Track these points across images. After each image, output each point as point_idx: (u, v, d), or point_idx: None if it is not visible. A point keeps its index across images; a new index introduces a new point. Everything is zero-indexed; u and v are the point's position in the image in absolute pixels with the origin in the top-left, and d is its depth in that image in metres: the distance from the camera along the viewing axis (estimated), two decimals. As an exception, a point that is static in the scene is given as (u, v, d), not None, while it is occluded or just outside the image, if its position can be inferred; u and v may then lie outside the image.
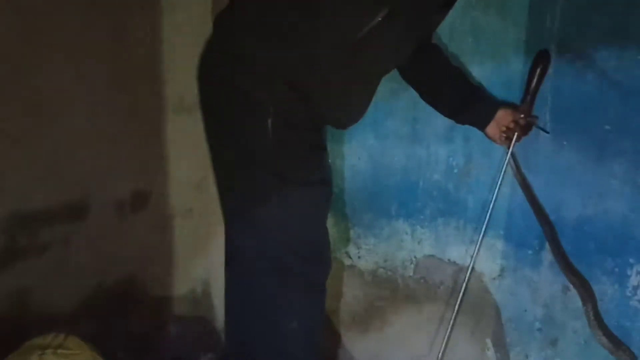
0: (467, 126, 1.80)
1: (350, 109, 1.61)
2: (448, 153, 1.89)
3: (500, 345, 1.87)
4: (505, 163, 1.71)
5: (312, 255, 1.57)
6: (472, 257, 1.80)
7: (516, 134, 1.68)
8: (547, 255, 1.77)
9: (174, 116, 1.90)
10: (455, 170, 1.89)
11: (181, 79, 1.87)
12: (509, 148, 1.70)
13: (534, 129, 1.70)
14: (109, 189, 1.77)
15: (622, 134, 1.61)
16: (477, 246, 1.79)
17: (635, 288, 1.65)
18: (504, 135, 1.71)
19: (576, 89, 1.65)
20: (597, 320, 1.67)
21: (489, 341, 1.89)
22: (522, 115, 1.66)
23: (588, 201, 1.68)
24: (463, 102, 1.71)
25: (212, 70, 1.51)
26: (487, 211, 1.77)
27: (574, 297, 1.73)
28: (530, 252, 1.79)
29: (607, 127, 1.62)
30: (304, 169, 1.52)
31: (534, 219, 1.76)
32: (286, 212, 1.50)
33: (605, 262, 1.68)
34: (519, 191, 1.77)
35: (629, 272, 1.65)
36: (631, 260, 1.64)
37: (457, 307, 1.81)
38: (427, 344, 2.00)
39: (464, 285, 1.80)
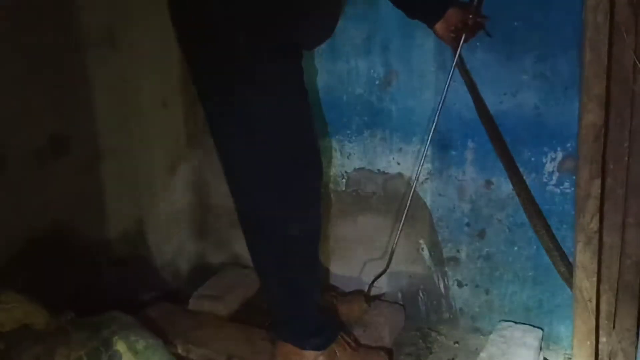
0: (383, 35, 1.82)
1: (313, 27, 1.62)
2: (368, 65, 1.91)
3: (434, 244, 1.98)
4: (454, 64, 1.71)
5: (300, 160, 1.60)
6: (419, 165, 1.84)
7: (464, 34, 1.66)
8: (470, 154, 1.86)
9: (82, 53, 1.80)
10: (377, 82, 1.92)
11: (87, 10, 1.78)
12: (456, 49, 1.68)
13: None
14: (25, 137, 1.69)
15: (529, 29, 1.68)
16: (424, 152, 1.83)
17: (550, 174, 1.77)
18: (452, 35, 1.69)
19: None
20: (535, 212, 1.77)
21: (422, 242, 1.99)
22: (470, 16, 1.65)
23: (503, 97, 1.76)
24: None
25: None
26: (435, 116, 1.77)
27: (497, 190, 1.84)
28: (454, 152, 1.88)
29: (516, 23, 1.69)
30: (283, 80, 1.53)
31: (455, 121, 1.83)
32: (271, 120, 1.53)
33: (522, 154, 1.78)
34: (438, 96, 1.82)
35: (544, 160, 1.77)
36: (545, 149, 1.76)
37: (404, 215, 1.87)
38: (365, 255, 2.08)
39: (411, 193, 1.86)
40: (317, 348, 1.70)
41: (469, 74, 1.77)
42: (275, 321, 1.78)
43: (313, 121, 1.64)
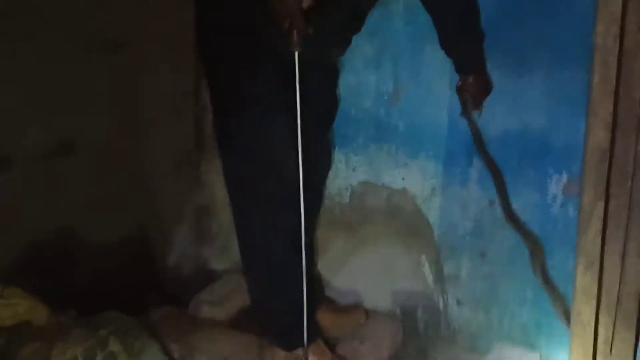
0: (393, 51, 1.85)
1: None
2: (377, 79, 1.93)
3: (435, 261, 1.97)
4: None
5: (280, 177, 1.63)
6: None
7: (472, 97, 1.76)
8: (474, 172, 1.86)
9: (93, 56, 1.81)
10: (385, 96, 1.93)
11: (98, 14, 1.80)
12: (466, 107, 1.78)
13: None
14: (31, 139, 1.70)
15: (539, 46, 1.69)
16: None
17: (554, 196, 1.77)
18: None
19: (492, 5, 1.70)
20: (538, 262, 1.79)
21: (424, 257, 1.99)
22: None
23: (509, 116, 1.77)
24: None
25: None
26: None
27: (500, 209, 1.84)
28: (458, 169, 1.88)
29: (524, 42, 1.70)
30: (269, 91, 1.60)
31: (460, 138, 1.84)
32: (252, 134, 1.62)
33: (527, 174, 1.78)
34: (445, 113, 1.84)
35: (548, 182, 1.77)
36: (550, 171, 1.76)
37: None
38: (364, 267, 2.08)
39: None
40: (287, 347, 1.74)
41: (476, 125, 1.80)
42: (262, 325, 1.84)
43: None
